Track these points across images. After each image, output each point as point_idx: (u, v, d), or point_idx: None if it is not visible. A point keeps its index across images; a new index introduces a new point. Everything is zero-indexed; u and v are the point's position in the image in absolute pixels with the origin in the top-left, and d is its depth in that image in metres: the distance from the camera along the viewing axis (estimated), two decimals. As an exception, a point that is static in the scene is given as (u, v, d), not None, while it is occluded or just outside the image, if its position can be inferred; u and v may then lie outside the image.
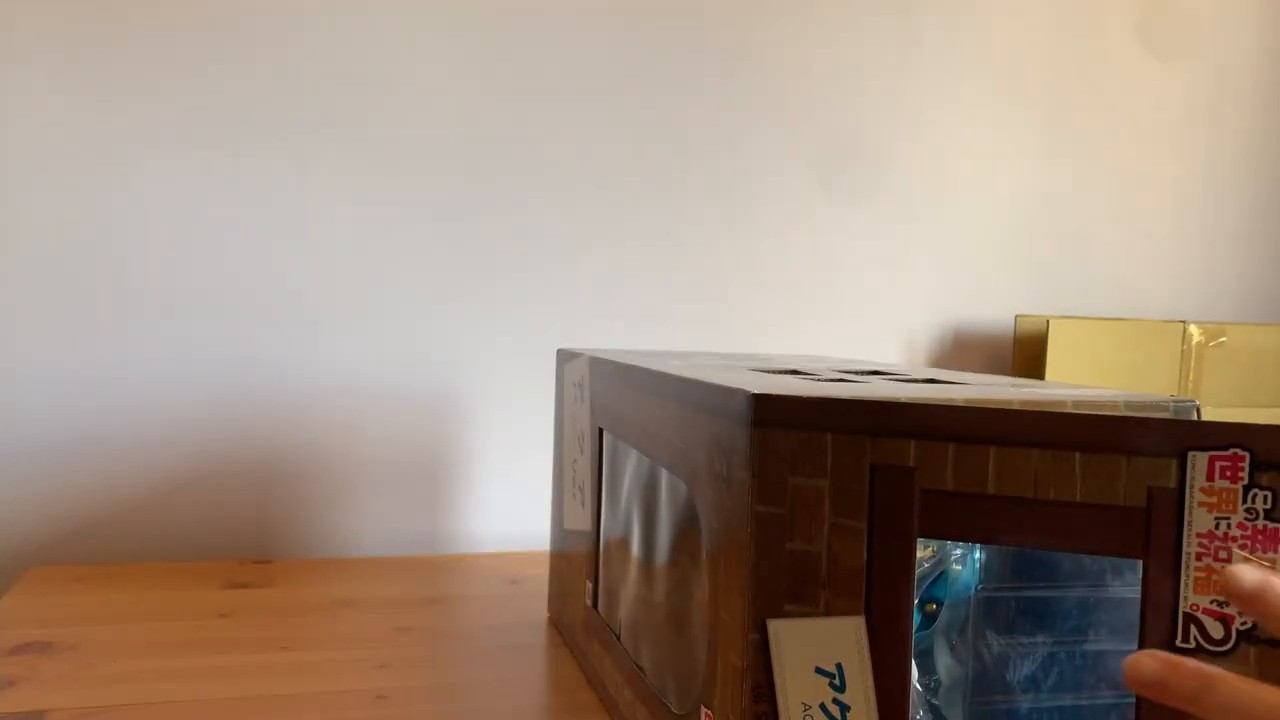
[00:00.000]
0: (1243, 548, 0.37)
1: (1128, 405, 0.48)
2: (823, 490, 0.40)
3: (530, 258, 1.10)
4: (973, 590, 0.53)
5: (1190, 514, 0.38)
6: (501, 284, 1.09)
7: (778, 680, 0.40)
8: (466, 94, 1.07)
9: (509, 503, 1.10)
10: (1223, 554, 0.38)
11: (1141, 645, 0.38)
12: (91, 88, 0.97)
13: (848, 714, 0.40)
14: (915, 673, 0.51)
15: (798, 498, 0.41)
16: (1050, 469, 0.39)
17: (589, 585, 0.75)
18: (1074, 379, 1.18)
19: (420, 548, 1.08)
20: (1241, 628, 0.37)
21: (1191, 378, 1.24)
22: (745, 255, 1.17)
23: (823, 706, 0.40)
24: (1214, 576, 0.37)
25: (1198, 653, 0.37)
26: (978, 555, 0.53)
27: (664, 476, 0.57)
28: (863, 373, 0.61)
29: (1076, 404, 0.47)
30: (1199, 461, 0.39)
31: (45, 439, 0.98)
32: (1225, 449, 0.38)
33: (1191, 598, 0.38)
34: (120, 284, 0.99)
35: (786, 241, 1.19)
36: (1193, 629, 0.38)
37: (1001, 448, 0.39)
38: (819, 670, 0.40)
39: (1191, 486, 0.39)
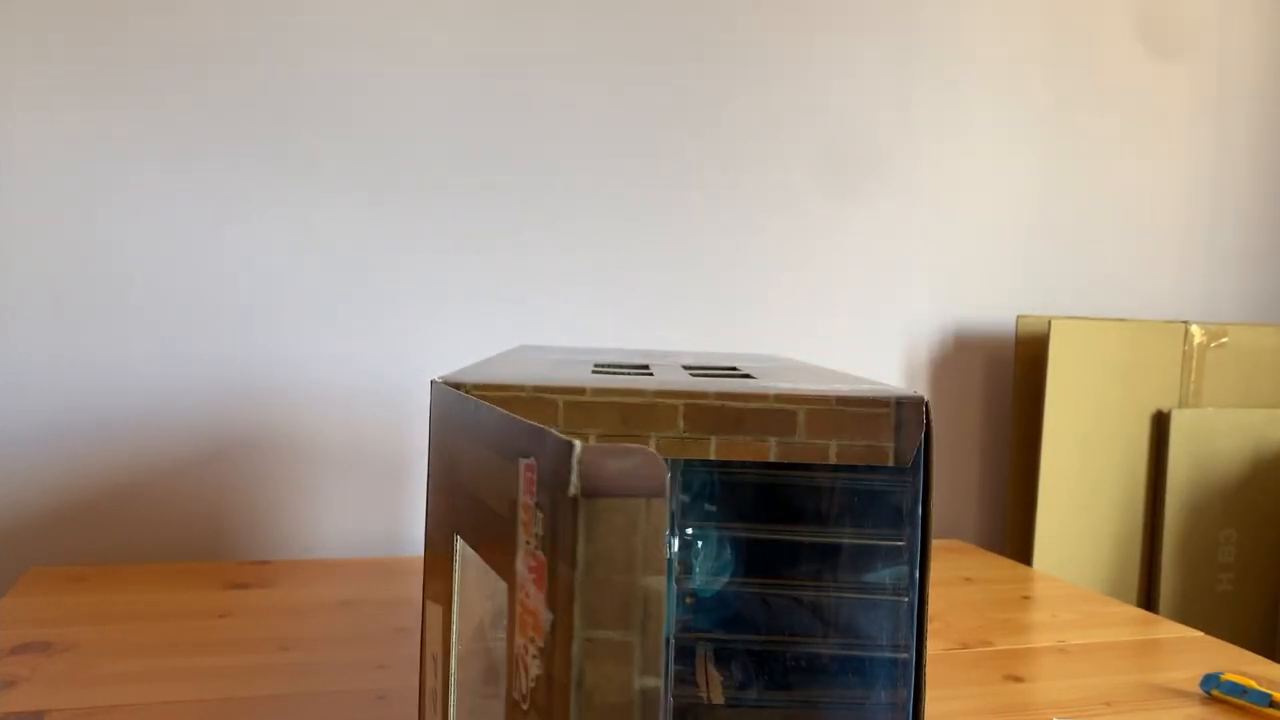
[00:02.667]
0: (536, 585, 0.29)
1: (840, 400, 0.45)
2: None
3: (517, 254, 1.10)
4: (716, 583, 0.53)
5: (516, 536, 0.32)
6: (493, 280, 1.09)
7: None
8: (454, 85, 1.07)
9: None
10: (525, 593, 0.30)
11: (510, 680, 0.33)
12: (88, 87, 0.97)
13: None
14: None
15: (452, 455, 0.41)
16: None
17: None
18: (1075, 379, 1.18)
19: (419, 548, 1.08)
20: (534, 680, 0.30)
21: (1193, 378, 1.24)
22: (743, 254, 1.17)
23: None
24: (527, 617, 0.30)
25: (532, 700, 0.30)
26: (716, 549, 0.53)
27: None
28: (719, 368, 0.60)
29: (778, 397, 0.45)
30: (520, 470, 0.31)
31: (42, 439, 0.98)
32: (528, 456, 0.30)
33: (518, 640, 0.31)
34: (116, 284, 0.99)
35: (785, 240, 1.18)
36: (520, 675, 0.31)
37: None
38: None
39: (515, 503, 0.32)
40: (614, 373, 0.54)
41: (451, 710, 0.42)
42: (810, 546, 0.56)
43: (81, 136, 0.97)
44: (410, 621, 0.84)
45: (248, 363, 1.02)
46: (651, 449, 0.28)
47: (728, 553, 0.56)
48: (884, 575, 0.53)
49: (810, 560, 0.56)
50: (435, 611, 0.44)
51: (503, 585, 0.35)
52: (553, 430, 0.29)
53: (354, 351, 1.05)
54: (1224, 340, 1.25)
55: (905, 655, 0.49)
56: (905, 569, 0.50)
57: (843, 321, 1.21)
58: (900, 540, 0.51)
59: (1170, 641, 0.87)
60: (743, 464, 0.55)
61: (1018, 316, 1.24)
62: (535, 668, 0.30)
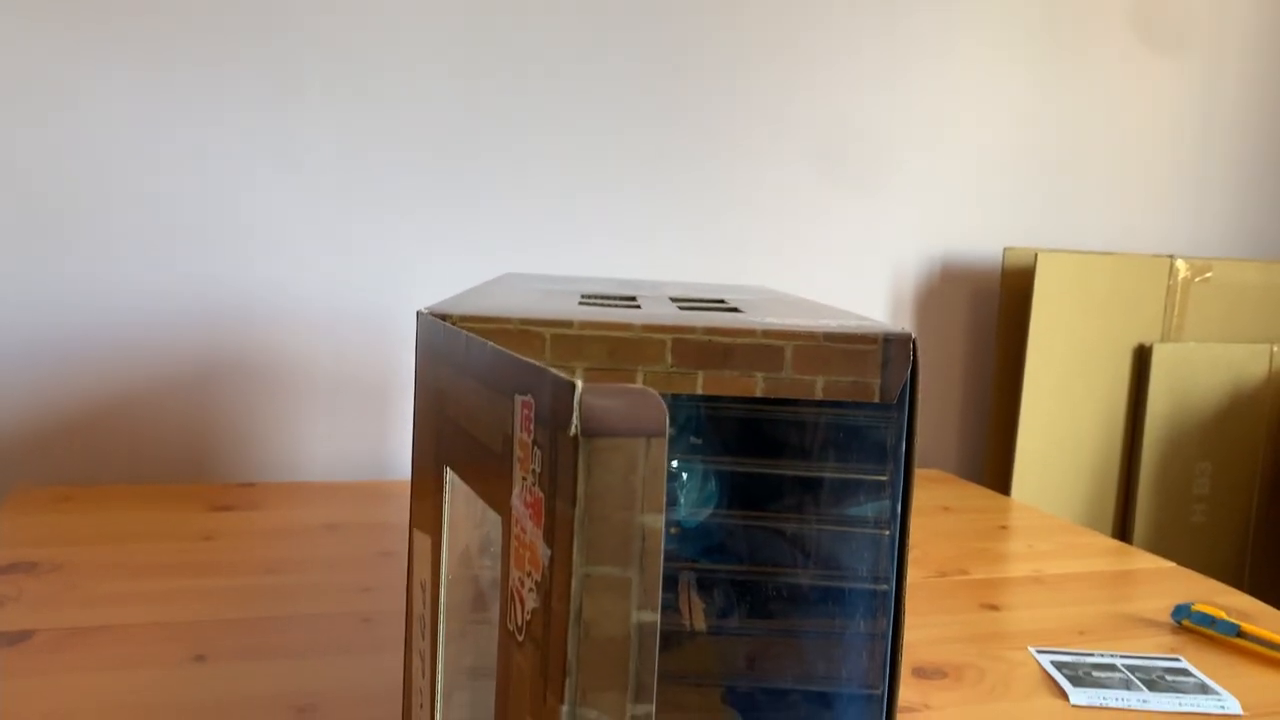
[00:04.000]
0: (533, 521, 0.30)
1: (828, 336, 0.45)
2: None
3: (505, 179, 1.08)
4: (699, 515, 0.54)
5: (512, 472, 0.32)
6: (492, 212, 1.08)
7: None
8: (453, 20, 1.04)
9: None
10: (522, 528, 0.31)
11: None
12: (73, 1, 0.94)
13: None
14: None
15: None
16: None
17: None
18: (1060, 312, 1.19)
19: (405, 472, 1.09)
20: (530, 613, 0.31)
21: (1177, 312, 1.24)
22: (731, 185, 1.16)
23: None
24: (523, 551, 0.30)
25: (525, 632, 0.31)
26: (701, 481, 0.54)
27: None
28: (707, 301, 0.60)
29: (766, 333, 0.45)
30: (516, 407, 0.32)
31: (23, 359, 0.97)
32: (525, 393, 0.31)
33: (514, 573, 0.31)
34: (97, 202, 0.97)
35: (773, 171, 1.17)
36: (516, 607, 0.31)
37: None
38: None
39: (510, 439, 0.32)
40: (601, 305, 0.53)
41: (440, 637, 0.42)
42: (794, 480, 0.57)
43: (61, 50, 0.95)
44: (395, 545, 0.85)
45: (230, 284, 1.01)
46: (647, 388, 0.28)
47: (712, 485, 0.57)
48: (866, 509, 0.54)
49: (793, 494, 0.57)
50: (423, 540, 0.45)
51: (491, 514, 0.35)
52: (551, 369, 0.29)
53: (338, 274, 1.04)
54: (1208, 275, 1.25)
55: (885, 587, 0.50)
56: (887, 503, 0.51)
57: (830, 252, 1.21)
58: (883, 475, 0.51)
59: (1144, 572, 0.89)
60: (729, 398, 0.55)
61: (1005, 249, 1.24)
62: (532, 601, 0.30)
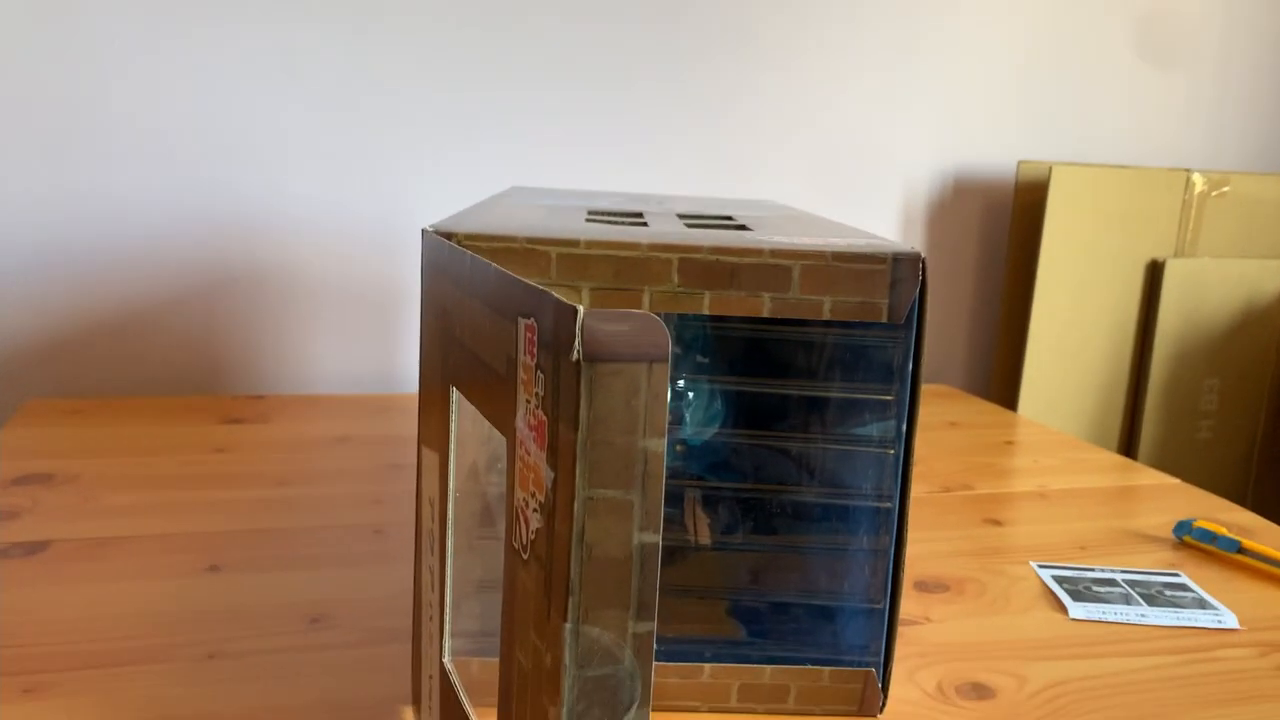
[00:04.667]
0: (537, 444, 0.30)
1: (836, 256, 0.45)
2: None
3: (512, 90, 1.07)
4: (705, 433, 0.54)
5: (516, 394, 0.32)
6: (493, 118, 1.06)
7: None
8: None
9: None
10: (526, 450, 0.31)
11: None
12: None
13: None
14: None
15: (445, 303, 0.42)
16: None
17: None
18: (1073, 227, 1.17)
19: (413, 385, 1.09)
20: (534, 533, 0.31)
21: (1191, 227, 1.23)
22: (739, 97, 1.14)
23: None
24: (528, 473, 0.31)
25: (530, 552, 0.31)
26: (707, 400, 0.54)
27: None
28: (714, 218, 0.59)
29: (774, 252, 0.44)
30: (520, 330, 0.31)
31: (29, 271, 0.97)
32: (527, 316, 0.31)
33: (518, 493, 0.32)
34: (100, 110, 0.96)
35: (783, 83, 1.15)
36: (520, 526, 0.32)
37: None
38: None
39: (513, 362, 0.32)
40: (608, 222, 0.53)
41: (449, 552, 0.43)
42: (799, 399, 0.57)
43: (54, -44, 0.93)
44: (405, 458, 0.86)
45: (237, 196, 1.00)
46: (650, 312, 0.28)
47: (718, 404, 0.57)
48: (871, 428, 0.54)
49: (799, 412, 0.57)
50: (431, 457, 0.45)
51: (498, 431, 0.35)
52: (553, 293, 0.29)
53: (344, 186, 1.03)
54: (1225, 189, 1.24)
55: (889, 505, 0.50)
56: (892, 423, 0.51)
57: (841, 165, 1.19)
58: (889, 395, 0.51)
59: (1147, 488, 0.90)
60: (736, 317, 0.55)
61: (1019, 162, 1.22)
62: (536, 521, 0.30)
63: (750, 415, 0.57)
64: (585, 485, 0.27)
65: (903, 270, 0.45)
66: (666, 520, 0.55)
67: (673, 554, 0.57)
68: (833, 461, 0.56)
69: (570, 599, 0.28)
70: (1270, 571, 0.71)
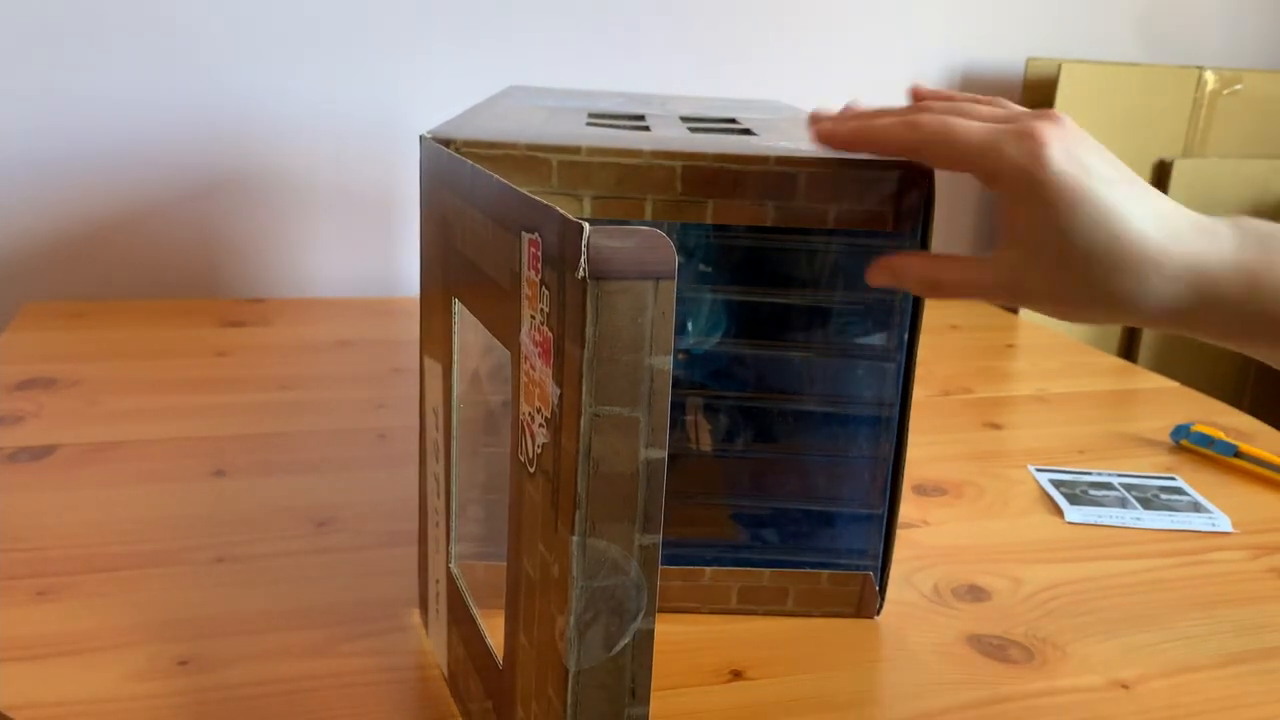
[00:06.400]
0: (542, 359, 0.30)
1: (842, 164, 0.44)
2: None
3: (522, -13, 1.04)
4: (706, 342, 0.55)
5: (520, 308, 0.32)
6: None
7: None
8: None
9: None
10: (531, 365, 0.31)
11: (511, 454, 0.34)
12: None
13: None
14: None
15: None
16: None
17: None
18: (1083, 125, 1.15)
19: (416, 288, 1.09)
20: (540, 447, 0.31)
21: (1201, 126, 1.21)
22: (749, -12, 1.11)
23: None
24: (533, 388, 0.31)
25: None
26: (710, 309, 0.54)
27: None
28: (718, 120, 0.58)
29: (779, 160, 0.44)
30: (523, 244, 0.31)
31: (26, 176, 0.96)
32: (531, 231, 0.30)
33: (523, 407, 0.32)
34: (97, 16, 0.93)
35: (793, -27, 1.12)
36: (526, 439, 0.32)
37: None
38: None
39: (517, 276, 0.32)
40: (609, 126, 0.52)
41: (454, 460, 0.43)
42: (802, 308, 0.57)
43: None
44: (406, 362, 0.86)
45: (234, 99, 0.98)
46: (655, 228, 0.27)
47: (720, 312, 0.57)
48: (874, 338, 0.54)
49: (801, 321, 0.57)
50: (434, 367, 0.45)
51: (500, 346, 0.35)
52: (555, 203, 0.29)
53: (341, 86, 1.01)
54: (1237, 87, 1.21)
55: (889, 413, 0.50)
56: (895, 332, 0.51)
57: (847, 62, 1.17)
58: (892, 304, 0.51)
59: (1146, 392, 0.90)
60: (740, 226, 0.54)
61: (1027, 60, 1.19)
62: (542, 436, 0.30)
63: (752, 324, 0.57)
64: (592, 402, 0.27)
65: (910, 178, 0.44)
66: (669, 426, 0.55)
67: (675, 460, 0.57)
68: (835, 370, 0.56)
69: (577, 513, 0.28)
70: (1266, 475, 0.72)
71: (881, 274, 0.44)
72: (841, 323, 0.55)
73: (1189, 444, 0.76)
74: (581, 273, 0.26)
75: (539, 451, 0.31)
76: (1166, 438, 0.79)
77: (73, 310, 0.94)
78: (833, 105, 0.49)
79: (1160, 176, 1.20)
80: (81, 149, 0.96)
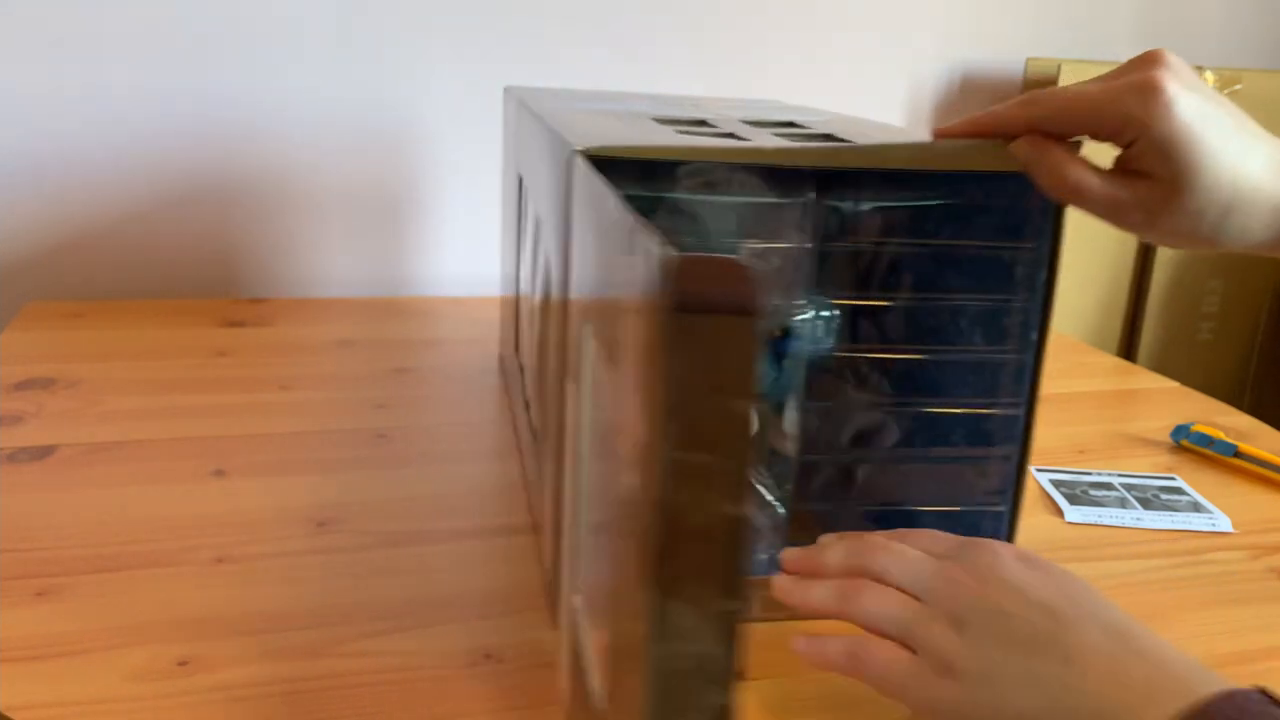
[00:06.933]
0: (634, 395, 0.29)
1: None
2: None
3: (522, -13, 1.04)
4: (825, 349, 0.55)
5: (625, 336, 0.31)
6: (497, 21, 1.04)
7: None
8: None
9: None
10: (623, 397, 0.30)
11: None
12: None
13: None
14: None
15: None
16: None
17: (511, 330, 0.76)
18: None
19: (416, 288, 1.08)
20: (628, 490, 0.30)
21: (1200, 126, 1.21)
22: (749, -12, 1.11)
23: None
24: (625, 425, 0.30)
25: None
26: (826, 314, 0.54)
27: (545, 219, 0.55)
28: (771, 123, 0.58)
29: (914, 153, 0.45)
30: (631, 269, 0.30)
31: (28, 175, 0.95)
32: (632, 255, 0.29)
33: (621, 443, 0.31)
34: (94, 10, 0.93)
35: (793, -27, 1.12)
36: (617, 481, 0.31)
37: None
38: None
39: (627, 304, 0.31)
40: (687, 132, 0.50)
41: (578, 482, 0.42)
42: (931, 310, 0.57)
43: None
44: (408, 362, 0.86)
45: (238, 97, 0.98)
46: (749, 260, 0.26)
47: (836, 319, 0.57)
48: (1002, 339, 0.54)
49: (929, 324, 0.58)
50: (573, 389, 0.44)
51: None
52: (657, 238, 0.27)
53: (340, 87, 1.01)
54: (1237, 87, 1.21)
55: (1016, 412, 0.52)
56: (1020, 333, 0.53)
57: (846, 62, 1.17)
58: (1013, 307, 0.53)
59: (1146, 392, 0.90)
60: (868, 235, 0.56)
61: (1027, 59, 1.19)
62: (630, 479, 0.29)
63: (883, 329, 0.58)
64: (669, 445, 0.26)
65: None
66: (798, 432, 0.56)
67: (805, 468, 0.57)
68: (963, 372, 0.57)
69: (652, 568, 0.26)
70: (1266, 475, 0.72)
71: (1026, 151, 0.45)
72: (969, 324, 0.56)
73: (1189, 444, 0.76)
74: (669, 303, 0.25)
75: (627, 495, 0.29)
76: (1166, 438, 0.79)
77: (73, 310, 0.94)
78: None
79: (1160, 176, 1.19)
80: (81, 149, 0.96)
